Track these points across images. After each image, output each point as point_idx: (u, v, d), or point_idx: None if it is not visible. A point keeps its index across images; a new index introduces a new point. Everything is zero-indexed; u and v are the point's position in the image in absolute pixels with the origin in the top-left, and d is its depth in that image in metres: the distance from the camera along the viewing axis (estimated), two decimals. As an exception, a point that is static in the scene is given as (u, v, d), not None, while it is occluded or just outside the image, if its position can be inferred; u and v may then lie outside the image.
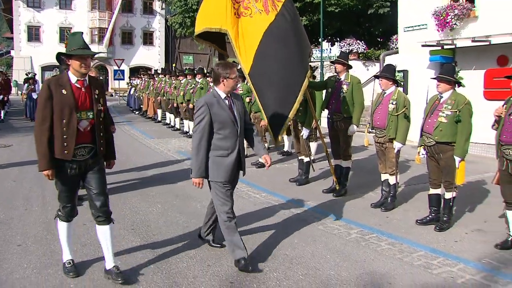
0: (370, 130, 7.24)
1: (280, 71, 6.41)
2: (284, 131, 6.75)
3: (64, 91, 4.31)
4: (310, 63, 7.15)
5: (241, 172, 5.14)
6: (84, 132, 4.43)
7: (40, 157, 4.30)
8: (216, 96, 4.82)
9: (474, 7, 12.72)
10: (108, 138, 4.75)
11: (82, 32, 4.82)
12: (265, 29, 6.51)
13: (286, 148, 11.63)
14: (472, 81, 12.47)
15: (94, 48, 43.54)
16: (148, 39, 47.59)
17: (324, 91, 8.39)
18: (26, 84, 20.36)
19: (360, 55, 20.37)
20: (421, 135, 6.26)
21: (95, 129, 4.49)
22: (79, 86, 4.41)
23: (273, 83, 6.40)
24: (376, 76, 7.24)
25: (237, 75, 4.88)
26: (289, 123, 9.16)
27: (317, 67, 12.30)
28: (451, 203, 6.23)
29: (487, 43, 11.96)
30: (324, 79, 10.52)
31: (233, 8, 6.66)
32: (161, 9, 46.37)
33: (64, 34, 43.93)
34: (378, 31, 26.13)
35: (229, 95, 4.87)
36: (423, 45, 13.26)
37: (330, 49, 24.15)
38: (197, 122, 4.75)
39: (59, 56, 4.46)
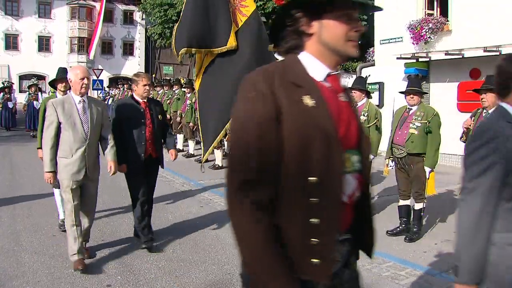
0: None
1: (223, 86, 6.40)
2: (212, 148, 6.68)
3: (308, 100, 1.72)
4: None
5: None
6: (347, 204, 1.85)
7: (265, 270, 1.67)
8: (510, 120, 2.27)
9: (448, 21, 12.96)
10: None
11: None
12: None
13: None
14: (446, 93, 12.70)
15: (73, 58, 43.30)
16: (128, 49, 47.34)
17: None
18: (1, 93, 20.08)
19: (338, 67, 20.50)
20: (391, 147, 6.33)
21: (364, 199, 1.95)
22: (333, 88, 1.85)
23: (213, 98, 6.39)
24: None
25: None
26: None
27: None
28: (420, 214, 6.30)
29: (460, 56, 12.18)
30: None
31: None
32: (141, 20, 46.21)
33: (43, 43, 43.58)
34: (356, 44, 26.42)
35: None
36: (398, 58, 13.45)
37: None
38: (477, 173, 2.22)
39: (285, 10, 1.82)
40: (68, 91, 5.98)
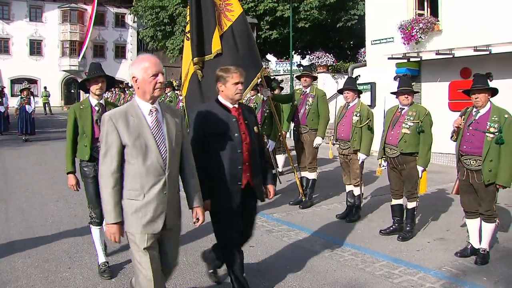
0: (334, 142, 7.33)
1: (208, 91, 6.38)
2: None
3: None
4: (275, 77, 7.23)
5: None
6: None
7: None
8: None
9: (438, 21, 13.03)
10: None
11: None
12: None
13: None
14: (437, 93, 12.77)
15: (65, 61, 43.13)
16: (120, 52, 47.20)
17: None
18: (-7, 97, 19.94)
19: (330, 67, 20.58)
20: (383, 147, 6.35)
21: None
22: None
23: (200, 103, 6.38)
24: (340, 91, 7.33)
25: None
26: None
27: (282, 80, 12.57)
28: (413, 213, 6.33)
29: (451, 56, 12.23)
30: (292, 92, 10.63)
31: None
32: (133, 22, 46.11)
33: (35, 46, 43.33)
34: (348, 44, 26.52)
35: None
36: (389, 58, 13.49)
37: (300, 62, 24.41)
38: None
39: None
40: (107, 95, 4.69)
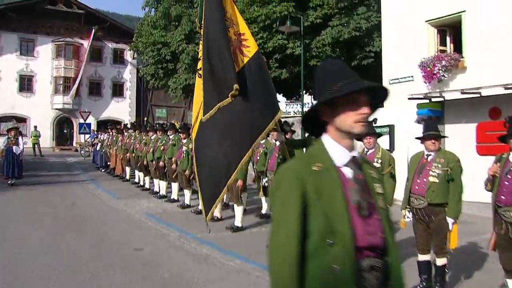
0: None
1: (224, 132, 6.26)
2: (215, 207, 6.38)
3: None
4: (287, 119, 7.15)
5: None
6: None
7: None
8: None
9: (462, 57, 13.08)
10: None
11: None
12: None
13: (264, 211, 11.50)
14: (463, 135, 12.67)
15: (58, 99, 43.31)
16: (118, 90, 47.46)
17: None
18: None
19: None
20: (409, 197, 6.23)
21: None
22: None
23: (212, 146, 6.27)
24: (358, 138, 7.22)
25: None
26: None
27: (293, 123, 12.59)
28: (444, 270, 6.15)
29: (478, 95, 12.22)
30: (305, 136, 10.60)
31: None
32: (133, 59, 46.62)
33: (25, 82, 43.45)
34: (363, 83, 26.65)
35: None
36: (409, 98, 13.49)
37: (312, 102, 24.48)
38: None
39: None
40: None
